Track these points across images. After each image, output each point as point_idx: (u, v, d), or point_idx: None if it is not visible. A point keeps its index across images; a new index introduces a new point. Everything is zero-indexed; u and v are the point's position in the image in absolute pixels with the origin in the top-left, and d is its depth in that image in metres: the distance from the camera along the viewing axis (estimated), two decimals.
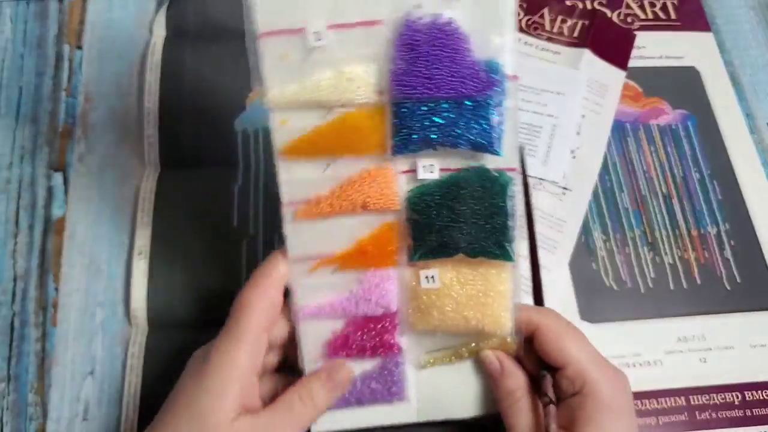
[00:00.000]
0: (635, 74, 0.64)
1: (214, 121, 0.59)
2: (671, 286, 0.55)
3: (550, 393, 0.41)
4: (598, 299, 0.55)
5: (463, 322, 0.43)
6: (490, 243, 0.41)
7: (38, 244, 0.55)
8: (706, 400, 0.52)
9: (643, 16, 0.67)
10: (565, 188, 0.57)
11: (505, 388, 0.43)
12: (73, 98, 0.60)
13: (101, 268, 0.54)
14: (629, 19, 0.67)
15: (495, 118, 0.39)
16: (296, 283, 0.42)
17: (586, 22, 0.64)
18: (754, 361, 0.53)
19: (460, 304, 0.42)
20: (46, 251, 0.54)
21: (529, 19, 0.64)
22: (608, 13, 0.67)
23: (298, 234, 0.42)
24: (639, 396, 0.51)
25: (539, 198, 0.57)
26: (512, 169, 0.41)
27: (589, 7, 0.66)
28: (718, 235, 0.58)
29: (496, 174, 0.40)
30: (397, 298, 0.43)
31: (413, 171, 0.41)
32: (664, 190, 0.60)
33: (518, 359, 0.44)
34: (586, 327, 0.53)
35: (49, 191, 0.57)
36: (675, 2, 0.68)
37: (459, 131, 0.39)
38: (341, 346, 0.43)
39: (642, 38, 0.65)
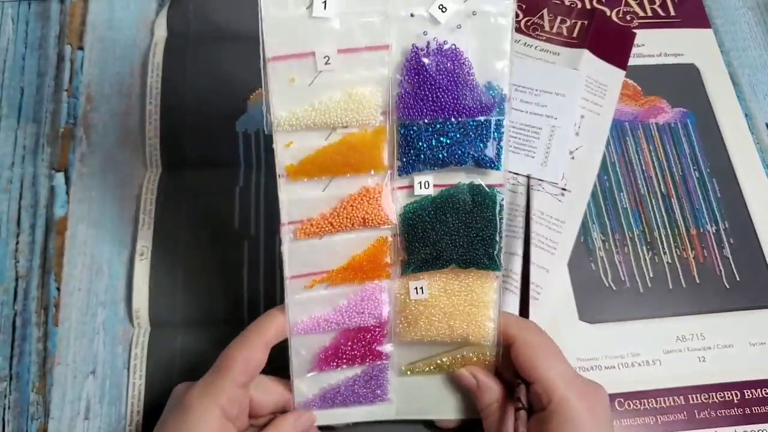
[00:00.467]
0: (634, 73, 0.64)
1: (216, 121, 0.59)
2: (670, 286, 0.56)
3: (523, 400, 0.42)
4: (597, 299, 0.55)
5: (448, 332, 0.44)
6: (480, 254, 0.43)
7: (40, 243, 0.55)
8: (705, 399, 0.52)
9: (642, 14, 0.67)
10: (564, 189, 0.57)
11: (482, 402, 0.45)
12: (75, 99, 0.60)
13: (102, 268, 0.54)
14: (628, 17, 0.67)
15: (496, 136, 0.41)
16: (292, 300, 0.43)
17: (585, 22, 0.64)
18: (753, 360, 0.53)
19: (447, 314, 0.44)
20: (48, 251, 0.55)
21: (528, 20, 0.64)
22: (607, 11, 0.67)
23: (296, 253, 0.43)
24: (638, 396, 0.51)
25: (538, 199, 0.57)
26: (501, 185, 0.43)
27: (588, 6, 0.66)
28: (718, 233, 0.58)
29: (488, 189, 0.43)
30: (388, 309, 0.45)
31: (409, 187, 0.42)
32: (663, 190, 0.60)
33: (496, 369, 0.46)
34: (585, 327, 0.54)
35: (51, 191, 0.57)
36: None
37: (464, 150, 0.41)
38: (331, 357, 0.44)
39: (641, 36, 0.65)
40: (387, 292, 0.44)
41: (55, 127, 0.59)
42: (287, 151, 0.41)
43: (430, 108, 0.40)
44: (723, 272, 0.56)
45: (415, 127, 0.41)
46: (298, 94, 0.40)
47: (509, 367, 0.45)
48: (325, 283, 0.43)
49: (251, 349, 0.42)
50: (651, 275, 0.56)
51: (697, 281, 0.56)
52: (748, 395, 0.52)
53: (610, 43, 0.63)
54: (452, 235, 0.43)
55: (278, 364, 0.45)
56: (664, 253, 0.57)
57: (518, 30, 0.64)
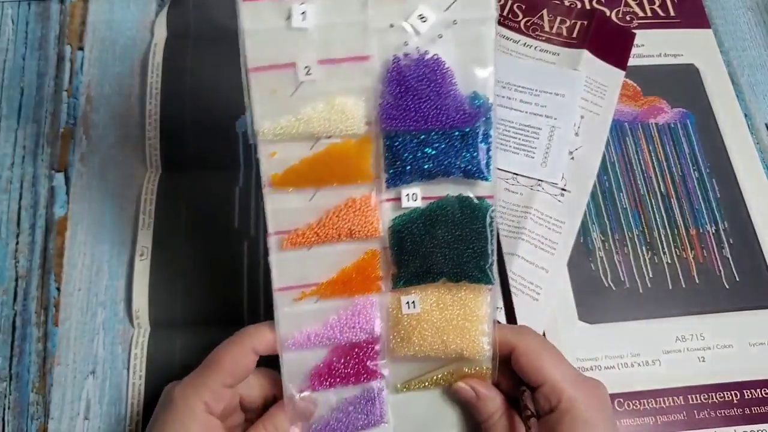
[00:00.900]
0: (634, 73, 0.64)
1: (216, 122, 0.59)
2: (670, 286, 0.56)
3: (531, 407, 0.42)
4: (596, 300, 0.55)
5: (442, 347, 0.44)
6: (471, 267, 0.42)
7: (40, 244, 0.55)
8: (705, 399, 0.52)
9: (642, 14, 0.67)
10: (563, 189, 0.57)
11: (484, 413, 0.44)
12: (75, 99, 0.60)
13: (102, 268, 0.54)
14: (628, 17, 0.67)
15: (483, 147, 0.41)
16: (281, 313, 0.43)
17: (585, 23, 0.64)
18: (752, 360, 0.53)
19: (440, 329, 0.43)
20: (48, 251, 0.55)
21: (528, 21, 0.64)
22: (607, 11, 0.67)
23: (284, 264, 0.42)
24: (638, 396, 0.52)
25: (538, 199, 0.57)
26: (491, 197, 0.42)
27: (587, 6, 0.67)
28: (717, 233, 0.58)
29: (477, 201, 0.42)
30: (380, 324, 0.44)
31: (397, 199, 0.42)
32: (663, 190, 0.60)
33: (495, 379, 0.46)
34: (584, 327, 0.54)
35: (51, 191, 0.57)
36: None
37: (450, 160, 0.41)
38: (325, 376, 0.44)
39: (641, 36, 0.66)
40: (379, 306, 0.44)
41: (55, 127, 0.59)
42: (271, 161, 0.41)
43: (413, 118, 0.40)
44: (722, 272, 0.56)
45: (400, 138, 0.40)
46: (281, 104, 0.40)
47: (508, 377, 0.45)
48: (314, 297, 0.43)
49: (240, 352, 0.42)
50: (651, 275, 0.56)
51: (697, 281, 0.56)
52: (748, 395, 0.52)
53: (609, 43, 0.63)
54: (442, 248, 0.42)
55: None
56: (664, 253, 0.57)
57: (518, 30, 0.64)
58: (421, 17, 0.39)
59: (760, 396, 0.52)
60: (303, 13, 0.38)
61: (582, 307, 0.54)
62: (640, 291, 0.55)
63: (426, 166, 0.41)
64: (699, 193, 0.60)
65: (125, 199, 0.56)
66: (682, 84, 0.64)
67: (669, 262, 0.57)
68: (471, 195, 0.42)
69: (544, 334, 0.53)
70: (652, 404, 0.51)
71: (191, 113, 0.59)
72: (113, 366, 0.51)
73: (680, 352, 0.53)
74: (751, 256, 0.57)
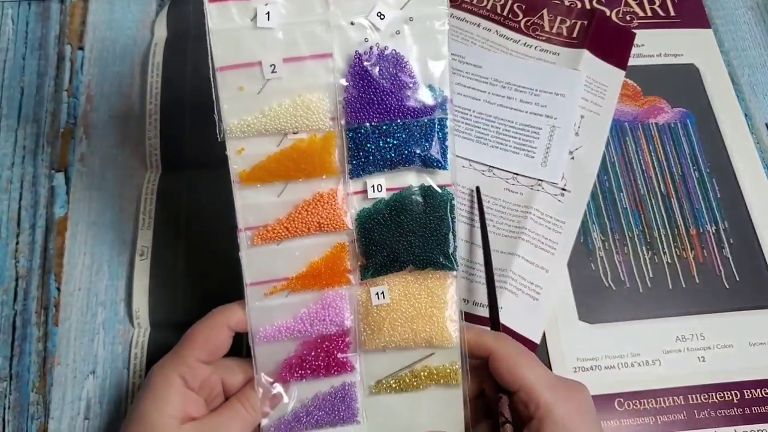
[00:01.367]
0: (634, 73, 0.64)
1: (216, 121, 0.59)
2: (670, 286, 0.56)
3: (506, 413, 0.43)
4: (596, 299, 0.55)
5: (412, 336, 0.44)
6: (436, 254, 0.44)
7: (40, 243, 0.55)
8: (705, 399, 0.52)
9: (642, 14, 0.67)
10: (563, 189, 0.57)
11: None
12: (75, 99, 0.60)
13: (103, 268, 0.54)
14: (628, 17, 0.67)
15: (440, 137, 0.43)
16: (252, 307, 0.44)
17: (585, 22, 0.64)
18: (753, 360, 0.53)
19: (409, 318, 0.44)
20: (48, 251, 0.55)
21: (528, 20, 0.64)
22: (607, 11, 0.67)
23: (255, 259, 0.43)
24: (638, 395, 0.52)
25: (538, 199, 0.57)
26: (450, 185, 0.44)
27: (587, 6, 0.66)
28: (717, 233, 0.58)
29: (439, 190, 0.44)
30: (350, 317, 0.45)
31: (363, 192, 0.44)
32: (663, 190, 0.60)
33: (478, 383, 0.46)
34: (584, 327, 0.54)
35: (51, 191, 0.57)
36: None
37: (410, 149, 0.43)
38: (296, 367, 0.44)
39: (641, 36, 0.66)
40: (349, 299, 0.45)
41: (55, 127, 0.59)
42: (239, 158, 0.42)
43: (376, 111, 0.42)
44: (723, 272, 0.56)
45: (362, 130, 0.42)
46: (248, 101, 0.41)
47: (488, 382, 0.45)
48: (285, 291, 0.44)
49: (213, 328, 0.43)
50: (651, 275, 0.56)
51: (697, 281, 0.56)
52: (748, 395, 0.52)
53: (609, 43, 0.63)
54: (407, 236, 0.44)
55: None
56: (664, 253, 0.57)
57: (518, 30, 0.64)
58: (380, 15, 0.41)
59: (760, 396, 0.52)
60: (267, 13, 0.40)
61: (582, 307, 0.54)
62: (641, 291, 0.55)
63: (389, 156, 0.43)
64: (699, 192, 0.60)
65: (125, 199, 0.56)
66: (682, 84, 0.64)
67: (669, 261, 0.57)
68: (433, 184, 0.44)
69: (544, 334, 0.53)
70: (652, 404, 0.51)
71: (191, 113, 0.59)
72: (113, 366, 0.51)
73: (680, 352, 0.53)
74: (751, 256, 0.57)
